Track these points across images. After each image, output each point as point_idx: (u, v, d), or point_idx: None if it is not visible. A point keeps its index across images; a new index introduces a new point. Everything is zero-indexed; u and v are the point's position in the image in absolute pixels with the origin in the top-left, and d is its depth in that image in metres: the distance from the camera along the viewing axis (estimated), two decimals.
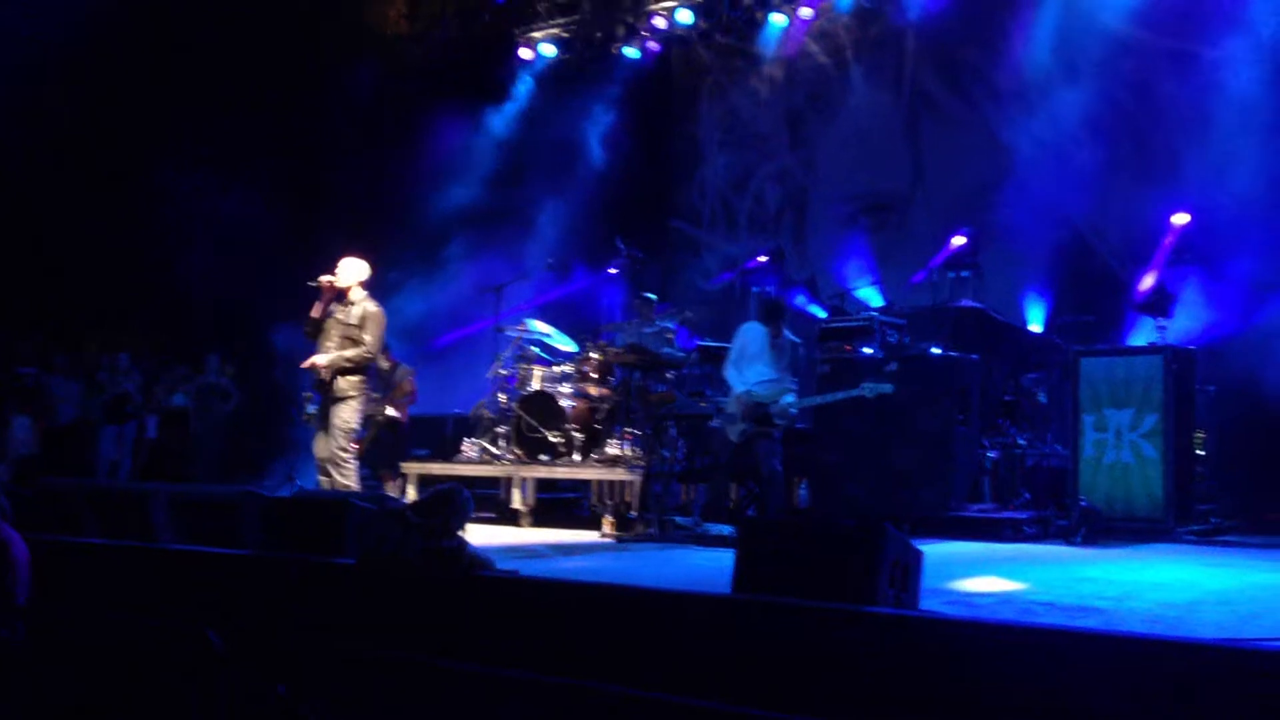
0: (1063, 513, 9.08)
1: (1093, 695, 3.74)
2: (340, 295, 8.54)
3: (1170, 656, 3.73)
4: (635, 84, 15.20)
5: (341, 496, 6.95)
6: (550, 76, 15.68)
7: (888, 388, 8.78)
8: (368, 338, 8.40)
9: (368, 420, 10.05)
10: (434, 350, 12.89)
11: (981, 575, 6.59)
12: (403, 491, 10.55)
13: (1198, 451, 9.38)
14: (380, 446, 11.25)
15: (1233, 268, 10.12)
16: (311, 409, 8.47)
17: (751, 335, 9.17)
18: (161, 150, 13.23)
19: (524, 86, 15.71)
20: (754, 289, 11.94)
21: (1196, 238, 10.49)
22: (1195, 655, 3.73)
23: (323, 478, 8.44)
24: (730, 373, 9.14)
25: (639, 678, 4.51)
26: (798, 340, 9.32)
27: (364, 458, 9.64)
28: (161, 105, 14.14)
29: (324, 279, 8.51)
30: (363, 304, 8.51)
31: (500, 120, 15.53)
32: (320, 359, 8.33)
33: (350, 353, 8.35)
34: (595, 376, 10.52)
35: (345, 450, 8.32)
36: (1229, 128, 10.74)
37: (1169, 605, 5.62)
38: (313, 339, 8.56)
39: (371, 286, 8.68)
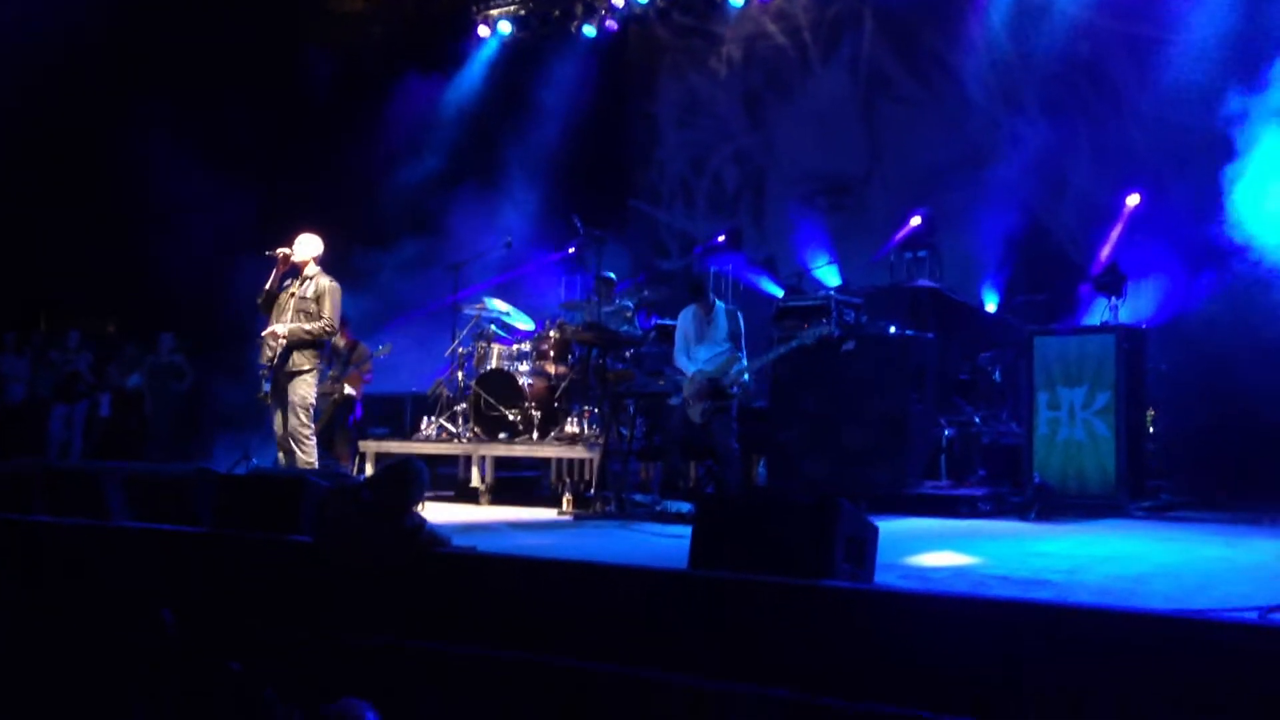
0: (1017, 490, 9.17)
1: (1045, 665, 3.80)
2: (295, 270, 8.48)
3: (1119, 627, 3.79)
4: (593, 63, 15.15)
5: (297, 474, 6.91)
6: (508, 55, 15.60)
7: (830, 330, 8.83)
8: (326, 312, 8.35)
9: (323, 398, 9.99)
10: (392, 328, 12.80)
11: (936, 550, 6.65)
12: (360, 469, 10.51)
13: (1149, 429, 9.51)
14: (335, 424, 11.21)
15: (1185, 248, 10.25)
16: (267, 387, 8.39)
17: (686, 318, 9.34)
18: (115, 128, 13.06)
19: (481, 65, 15.63)
20: (711, 269, 11.97)
21: (1149, 218, 10.62)
22: (1144, 625, 3.80)
23: (282, 455, 8.37)
24: (680, 359, 9.27)
25: (596, 652, 4.53)
26: (733, 307, 9.38)
27: (319, 435, 9.57)
28: (116, 84, 13.93)
29: (280, 250, 8.44)
30: (318, 279, 8.45)
31: (457, 99, 15.45)
32: (279, 328, 8.26)
33: (311, 325, 8.30)
34: (554, 355, 10.51)
35: (305, 426, 8.26)
36: (1182, 110, 10.88)
37: (1119, 578, 5.70)
38: (266, 312, 8.49)
39: (326, 263, 8.63)
